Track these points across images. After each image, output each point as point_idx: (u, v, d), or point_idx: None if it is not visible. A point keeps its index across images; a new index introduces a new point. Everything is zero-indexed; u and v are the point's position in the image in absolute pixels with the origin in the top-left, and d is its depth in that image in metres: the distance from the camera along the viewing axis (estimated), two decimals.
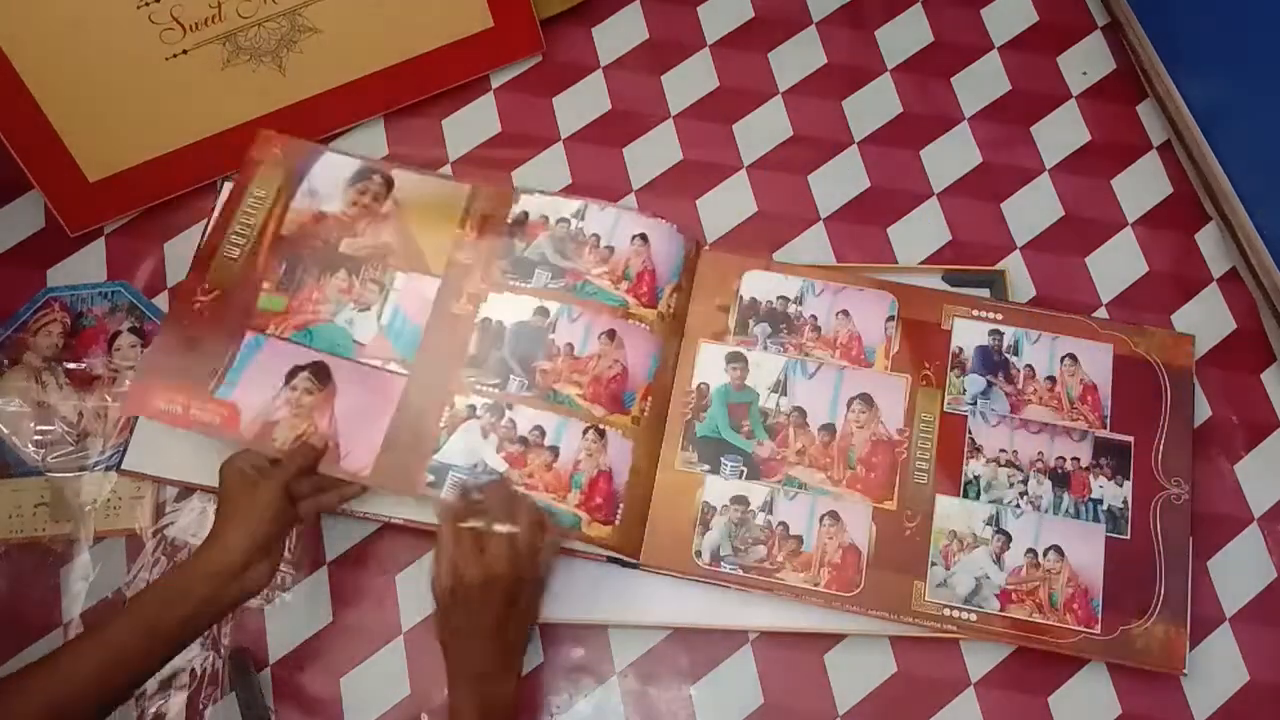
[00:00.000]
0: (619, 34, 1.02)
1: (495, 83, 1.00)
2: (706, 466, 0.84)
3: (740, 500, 0.83)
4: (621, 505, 0.81)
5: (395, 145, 0.98)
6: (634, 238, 0.88)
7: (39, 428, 0.87)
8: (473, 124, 0.99)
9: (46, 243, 0.94)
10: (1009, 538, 0.82)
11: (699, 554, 0.81)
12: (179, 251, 0.94)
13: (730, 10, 1.03)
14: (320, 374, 0.83)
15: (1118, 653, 0.79)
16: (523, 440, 0.82)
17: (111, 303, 0.91)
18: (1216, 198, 0.93)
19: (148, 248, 0.94)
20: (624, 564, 0.82)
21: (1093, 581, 0.81)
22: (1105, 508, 0.83)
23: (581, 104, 1.00)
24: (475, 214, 0.89)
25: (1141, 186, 0.97)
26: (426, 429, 0.82)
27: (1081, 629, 0.80)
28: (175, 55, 0.89)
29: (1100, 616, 0.80)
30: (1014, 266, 0.94)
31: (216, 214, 0.88)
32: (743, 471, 0.84)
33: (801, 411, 0.85)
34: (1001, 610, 0.80)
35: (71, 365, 0.89)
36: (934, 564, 0.81)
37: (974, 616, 0.80)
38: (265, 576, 0.72)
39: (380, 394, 0.83)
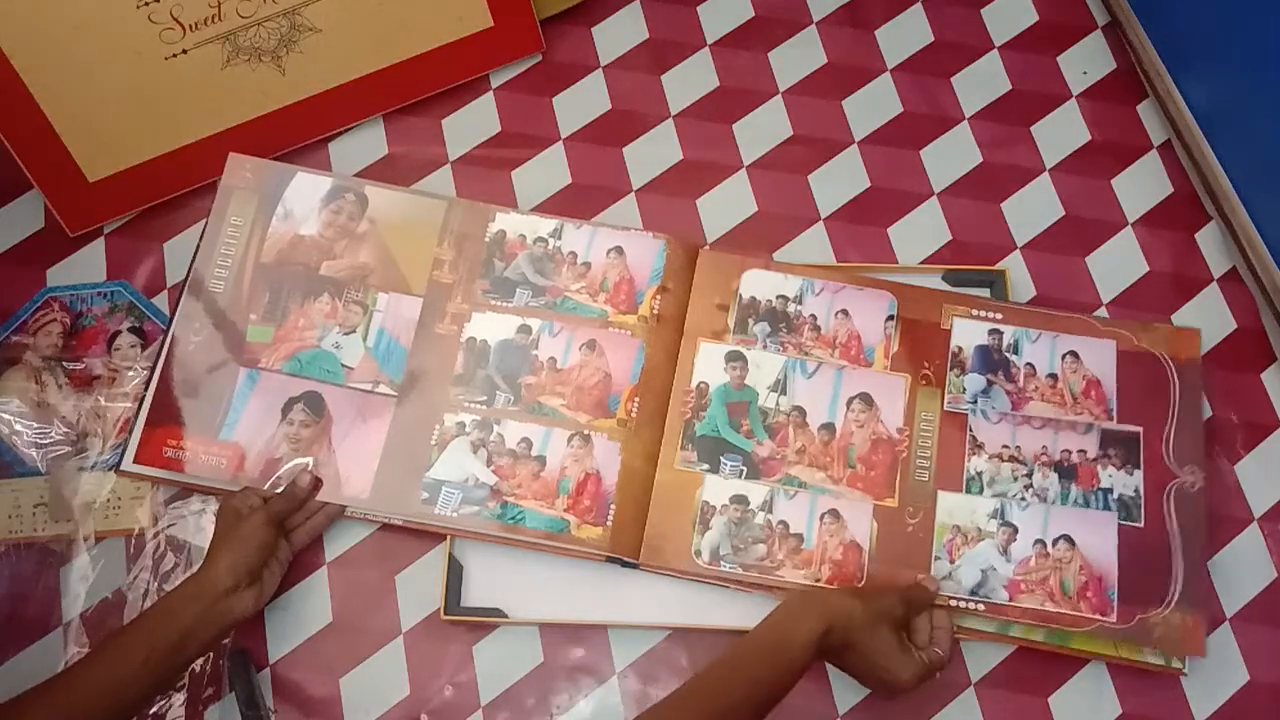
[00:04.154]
0: (619, 34, 1.02)
1: (495, 82, 1.00)
2: (706, 466, 0.84)
3: (740, 499, 0.83)
4: (613, 506, 0.82)
5: (395, 145, 0.98)
6: (609, 251, 0.89)
7: (38, 428, 0.87)
8: (472, 124, 0.99)
9: (46, 243, 0.94)
10: (1015, 529, 0.82)
11: (699, 553, 0.81)
12: (179, 251, 0.94)
13: (730, 10, 1.03)
14: (314, 404, 0.85)
15: (1135, 639, 0.79)
16: (511, 453, 0.84)
17: (111, 303, 0.91)
18: (1216, 198, 0.93)
19: (147, 248, 0.94)
20: (624, 564, 0.82)
21: (1107, 570, 0.80)
22: (1116, 496, 0.83)
23: (581, 104, 1.00)
24: (452, 232, 0.90)
25: (1141, 186, 0.97)
26: (418, 448, 0.84)
27: (1097, 617, 0.79)
28: (175, 55, 0.89)
29: (1116, 605, 0.79)
30: (1014, 266, 0.94)
31: (199, 247, 0.89)
32: (742, 471, 0.84)
33: (801, 411, 0.85)
34: (1011, 601, 0.80)
35: (71, 365, 0.89)
36: (937, 558, 0.81)
37: (982, 606, 0.80)
38: (252, 603, 0.77)
39: (373, 417, 0.85)
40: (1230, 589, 0.85)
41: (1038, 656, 0.81)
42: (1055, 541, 0.81)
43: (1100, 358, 0.86)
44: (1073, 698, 0.82)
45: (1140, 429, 0.85)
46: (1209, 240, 0.95)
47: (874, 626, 0.72)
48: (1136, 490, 0.83)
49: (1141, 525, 0.82)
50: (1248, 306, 0.93)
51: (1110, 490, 0.83)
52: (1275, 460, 0.88)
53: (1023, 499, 0.83)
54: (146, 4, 0.85)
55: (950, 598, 0.80)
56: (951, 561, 0.81)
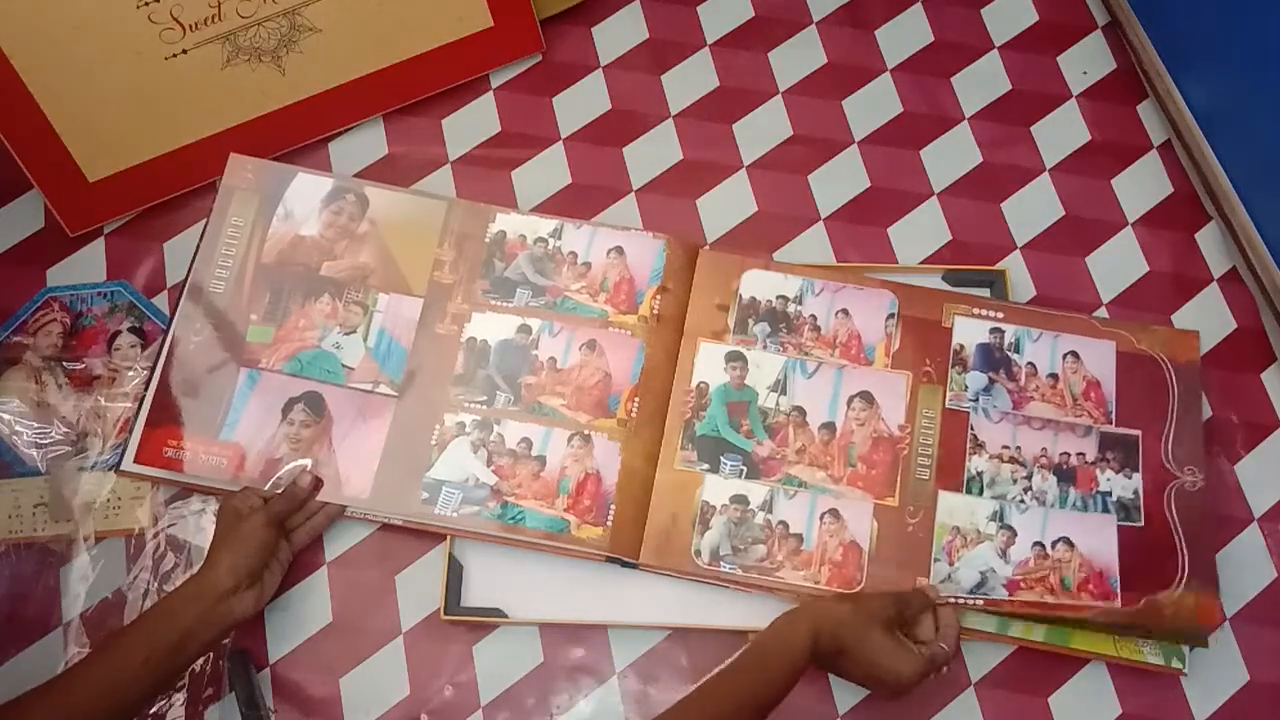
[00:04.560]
0: (619, 34, 1.02)
1: (495, 82, 1.00)
2: (706, 466, 0.84)
3: (740, 499, 0.83)
4: (613, 506, 0.82)
5: (395, 145, 0.98)
6: (609, 251, 0.89)
7: (38, 428, 0.87)
8: (472, 124, 0.99)
9: (46, 243, 0.94)
10: (1014, 532, 0.82)
11: (698, 553, 0.81)
12: (179, 251, 0.94)
13: (730, 10, 1.03)
14: (315, 404, 0.85)
15: (1145, 620, 0.79)
16: (511, 453, 0.84)
17: (111, 303, 0.91)
18: (1216, 198, 0.93)
19: (147, 248, 0.94)
20: (624, 564, 0.82)
21: (1108, 565, 0.80)
22: (1115, 499, 0.83)
23: (581, 104, 1.00)
24: (453, 233, 0.90)
25: (1141, 186, 0.97)
26: (418, 448, 0.84)
27: (1100, 604, 0.79)
28: (175, 55, 0.89)
29: (1119, 592, 0.79)
30: (1014, 266, 0.94)
31: (199, 247, 0.89)
32: (742, 470, 0.84)
33: (801, 411, 0.85)
34: (1010, 598, 0.80)
35: (71, 365, 0.89)
36: (937, 559, 0.81)
37: (981, 602, 0.79)
38: (252, 604, 0.77)
39: (373, 417, 0.85)
40: (1230, 589, 0.84)
41: (1038, 656, 0.81)
42: (1054, 544, 0.81)
43: (1100, 359, 0.87)
44: (1073, 698, 0.82)
45: (1139, 432, 0.85)
46: (1209, 240, 0.95)
47: (865, 628, 0.72)
48: (1135, 493, 0.83)
49: (1141, 525, 0.82)
50: (1248, 306, 0.93)
51: (1109, 494, 0.83)
52: (1275, 460, 0.88)
53: (1021, 502, 0.83)
54: (146, 4, 0.85)
55: (950, 598, 0.80)
56: (951, 563, 0.81)
